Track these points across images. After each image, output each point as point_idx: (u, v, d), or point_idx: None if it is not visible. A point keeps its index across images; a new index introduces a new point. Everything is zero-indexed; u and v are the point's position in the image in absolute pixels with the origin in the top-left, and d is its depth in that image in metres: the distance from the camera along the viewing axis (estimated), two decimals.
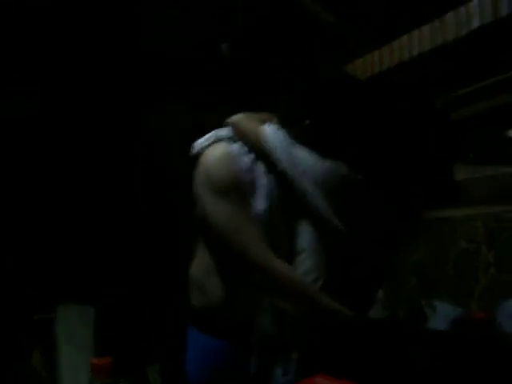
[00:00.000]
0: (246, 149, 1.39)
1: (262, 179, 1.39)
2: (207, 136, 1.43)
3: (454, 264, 2.53)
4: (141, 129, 3.21)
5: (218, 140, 1.41)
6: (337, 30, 2.31)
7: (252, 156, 1.39)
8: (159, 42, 2.83)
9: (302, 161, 1.38)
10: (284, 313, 1.40)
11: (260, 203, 1.37)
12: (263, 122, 1.44)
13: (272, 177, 1.39)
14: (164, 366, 2.27)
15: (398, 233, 1.61)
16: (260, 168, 1.39)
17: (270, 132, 1.39)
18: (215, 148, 1.39)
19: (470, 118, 2.41)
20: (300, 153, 1.39)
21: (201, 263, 1.49)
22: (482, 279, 2.42)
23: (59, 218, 3.09)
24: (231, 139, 1.41)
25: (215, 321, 1.45)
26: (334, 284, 1.43)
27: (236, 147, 1.39)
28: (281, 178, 1.38)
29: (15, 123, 3.01)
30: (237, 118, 1.45)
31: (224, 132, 1.43)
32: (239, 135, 1.41)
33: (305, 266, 1.40)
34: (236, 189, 1.35)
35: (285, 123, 1.43)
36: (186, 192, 1.47)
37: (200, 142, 1.43)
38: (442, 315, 2.34)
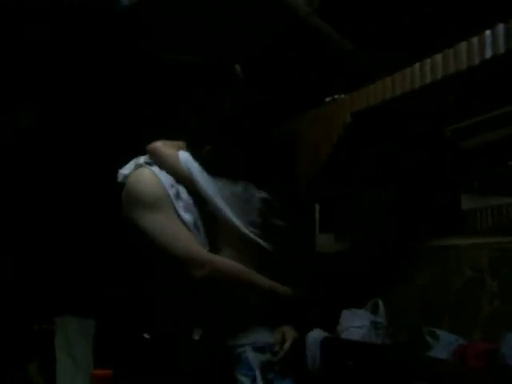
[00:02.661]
0: (164, 171, 1.55)
1: (184, 194, 1.54)
2: (128, 165, 1.59)
3: (458, 292, 2.52)
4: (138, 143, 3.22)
5: (138, 166, 1.57)
6: (351, 57, 2.34)
7: (171, 177, 1.55)
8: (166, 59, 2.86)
9: (214, 182, 1.54)
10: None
11: (184, 214, 1.51)
12: (178, 148, 1.61)
13: (191, 193, 1.55)
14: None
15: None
16: (180, 185, 1.55)
17: (187, 157, 1.56)
18: (137, 172, 1.55)
19: (477, 148, 2.41)
20: (212, 176, 1.55)
21: None
22: (485, 309, 2.40)
23: (60, 229, 3.09)
24: (150, 164, 1.57)
25: None
26: None
27: (156, 169, 1.55)
28: (198, 196, 1.54)
29: (16, 134, 3.03)
30: (154, 145, 1.60)
31: (142, 159, 1.59)
32: (156, 161, 1.57)
33: None
34: (164, 201, 1.50)
35: (189, 146, 1.60)
36: None
37: (122, 171, 1.59)
38: (444, 344, 2.33)
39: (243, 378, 1.49)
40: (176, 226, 1.49)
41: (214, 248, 1.55)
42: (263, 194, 1.59)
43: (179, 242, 1.47)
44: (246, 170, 1.60)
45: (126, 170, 1.58)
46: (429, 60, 1.94)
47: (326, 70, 2.47)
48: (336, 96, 2.33)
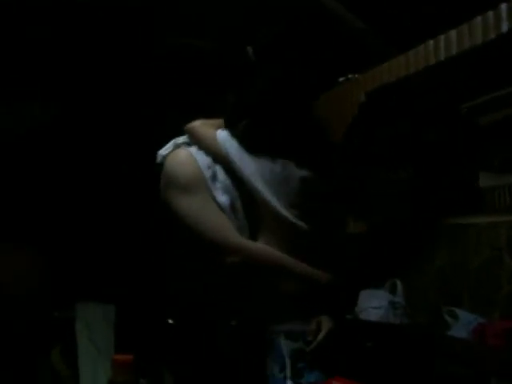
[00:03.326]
0: (202, 151, 1.53)
1: (221, 175, 1.52)
2: (167, 145, 1.59)
3: (477, 272, 2.50)
4: (151, 133, 3.24)
5: (176, 147, 1.57)
6: (362, 35, 2.31)
7: (209, 157, 1.52)
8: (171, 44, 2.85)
9: (252, 162, 1.50)
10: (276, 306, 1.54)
11: (220, 197, 1.49)
12: (217, 127, 1.59)
13: (229, 174, 1.53)
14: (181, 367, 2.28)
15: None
16: (218, 166, 1.53)
17: (224, 136, 1.53)
18: (175, 153, 1.55)
19: (495, 125, 2.38)
20: (250, 155, 1.52)
21: None
22: (504, 288, 2.39)
23: (79, 216, 3.12)
24: (188, 144, 1.57)
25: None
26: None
27: (194, 149, 1.54)
28: (235, 176, 1.52)
29: (29, 133, 3.05)
30: (192, 124, 1.60)
31: (181, 139, 1.58)
32: (195, 141, 1.55)
33: None
34: (199, 183, 1.49)
35: (226, 123, 1.51)
36: None
37: (161, 151, 1.59)
38: (463, 323, 2.32)
39: (273, 365, 1.48)
40: (210, 209, 1.47)
41: (253, 230, 1.52)
42: (303, 173, 1.54)
43: (212, 227, 1.45)
44: (283, 147, 1.55)
45: (164, 151, 1.58)
46: (443, 36, 1.90)
47: (340, 51, 2.44)
48: (350, 75, 2.30)
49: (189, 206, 1.47)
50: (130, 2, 2.61)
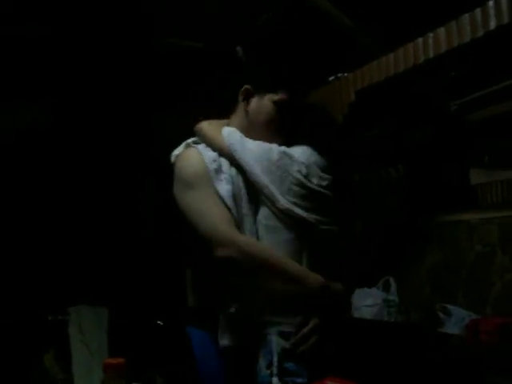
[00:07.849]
0: (209, 148, 1.62)
1: (226, 167, 1.58)
2: (180, 146, 1.67)
3: (469, 268, 2.51)
4: (150, 131, 3.25)
5: (186, 146, 1.65)
6: (352, 33, 2.31)
7: (215, 152, 1.60)
8: (168, 45, 2.85)
9: (252, 151, 1.57)
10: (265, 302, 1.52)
11: (224, 187, 1.54)
12: (223, 125, 1.67)
13: (234, 166, 1.59)
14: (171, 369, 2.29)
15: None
16: (223, 159, 1.60)
17: (228, 132, 1.62)
18: (183, 152, 1.64)
19: (485, 121, 2.39)
20: (250, 145, 1.59)
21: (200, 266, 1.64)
22: (497, 283, 2.40)
23: (73, 221, 3.11)
24: (197, 143, 1.64)
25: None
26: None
27: (201, 146, 1.62)
28: (239, 166, 1.58)
29: (28, 135, 3.05)
30: (200, 125, 1.68)
31: (191, 140, 1.67)
32: (202, 139, 1.64)
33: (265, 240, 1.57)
34: (202, 179, 1.54)
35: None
36: None
37: (175, 152, 1.66)
38: (456, 320, 2.33)
39: (261, 360, 1.49)
40: (208, 203, 1.51)
41: (254, 212, 1.57)
42: (301, 159, 1.56)
43: (206, 220, 1.49)
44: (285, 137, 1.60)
45: (176, 151, 1.65)
46: (431, 34, 1.91)
47: (328, 49, 2.44)
48: (339, 75, 2.30)
49: (190, 200, 1.53)
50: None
